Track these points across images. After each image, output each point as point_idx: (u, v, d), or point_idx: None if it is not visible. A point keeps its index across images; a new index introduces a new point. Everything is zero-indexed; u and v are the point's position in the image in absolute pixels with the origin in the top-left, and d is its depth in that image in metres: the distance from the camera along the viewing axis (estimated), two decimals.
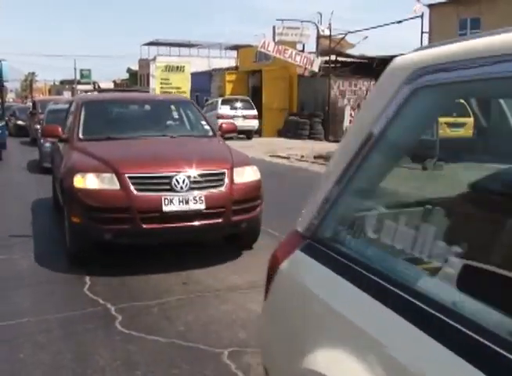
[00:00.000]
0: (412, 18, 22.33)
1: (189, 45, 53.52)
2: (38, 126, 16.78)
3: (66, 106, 17.91)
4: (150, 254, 6.67)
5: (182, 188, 5.88)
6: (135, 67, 57.37)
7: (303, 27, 28.20)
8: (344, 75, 27.80)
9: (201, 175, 6.06)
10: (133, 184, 5.83)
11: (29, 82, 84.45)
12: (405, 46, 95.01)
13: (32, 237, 7.57)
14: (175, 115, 8.63)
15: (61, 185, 6.69)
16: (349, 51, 29.63)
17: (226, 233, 6.65)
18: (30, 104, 31.70)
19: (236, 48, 47.80)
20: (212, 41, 53.46)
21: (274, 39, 27.68)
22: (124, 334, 4.48)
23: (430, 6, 22.02)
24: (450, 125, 16.97)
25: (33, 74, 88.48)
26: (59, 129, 7.70)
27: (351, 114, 17.62)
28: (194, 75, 42.34)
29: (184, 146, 7.17)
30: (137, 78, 55.70)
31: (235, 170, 6.31)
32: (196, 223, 5.96)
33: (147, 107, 8.67)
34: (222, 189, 6.12)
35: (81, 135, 7.22)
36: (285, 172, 15.26)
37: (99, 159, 6.28)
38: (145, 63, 51.87)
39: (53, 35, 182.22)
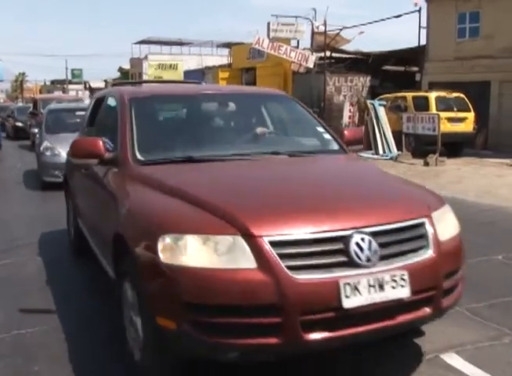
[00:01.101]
0: (411, 12, 22.22)
1: (181, 43, 53.16)
2: (36, 130, 14.14)
3: (70, 105, 16.59)
4: None
5: (368, 259, 3.09)
6: (127, 66, 56.96)
7: (297, 24, 28.03)
8: (339, 71, 27.64)
9: (392, 231, 3.28)
10: (282, 257, 2.97)
11: (19, 83, 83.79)
12: (403, 41, 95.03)
13: None
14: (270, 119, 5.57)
15: (126, 251, 3.46)
16: (345, 46, 29.48)
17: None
18: (28, 104, 29.18)
19: (227, 45, 47.54)
20: (203, 39, 53.21)
21: (268, 36, 27.48)
22: None
23: (428, 1, 21.87)
24: (450, 120, 16.84)
25: (23, 74, 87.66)
26: (101, 144, 4.44)
27: (350, 110, 17.44)
28: (186, 73, 42.07)
29: (326, 173, 4.37)
30: (129, 77, 55.26)
31: (434, 217, 3.54)
32: (395, 321, 3.21)
33: (232, 107, 5.36)
34: (428, 254, 3.35)
35: (139, 155, 4.24)
36: None
37: (200, 203, 3.34)
38: (136, 62, 51.50)
39: (43, 35, 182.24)
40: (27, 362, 3.99)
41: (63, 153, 10.13)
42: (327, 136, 5.08)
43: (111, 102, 5.36)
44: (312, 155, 4.75)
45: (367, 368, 3.89)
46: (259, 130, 5.12)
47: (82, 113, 12.33)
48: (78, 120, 11.83)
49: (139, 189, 3.81)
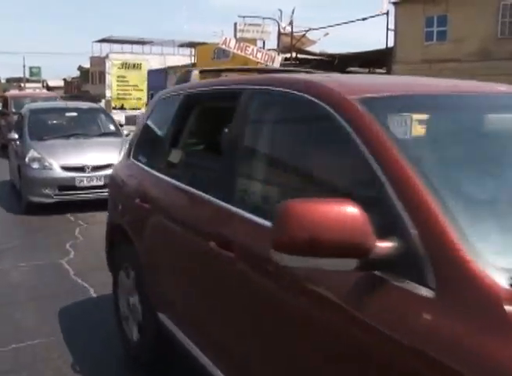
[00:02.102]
0: (377, 15, 22.38)
1: (142, 43, 52.52)
2: (15, 135, 10.49)
3: (57, 104, 13.62)
4: None
5: None
6: (87, 65, 55.94)
7: (264, 24, 27.94)
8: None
9: None
10: None
11: None
12: (369, 43, 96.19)
13: None
14: None
15: None
16: (310, 48, 29.56)
17: None
18: None
19: (189, 45, 47.23)
20: (165, 39, 52.64)
21: (235, 36, 27.32)
22: None
23: (395, 4, 22.07)
24: (422, 122, 16.98)
25: None
26: (368, 223, 1.72)
27: None
28: (149, 72, 41.53)
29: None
30: (89, 76, 54.33)
31: None
32: None
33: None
34: None
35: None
36: None
37: None
38: (97, 61, 50.60)
39: (1, 31, 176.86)
40: None
41: (54, 164, 9.02)
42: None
43: (300, 108, 2.52)
44: None
45: None
46: None
47: (73, 114, 10.93)
48: (68, 123, 10.87)
49: None
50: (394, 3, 22.10)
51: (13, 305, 5.06)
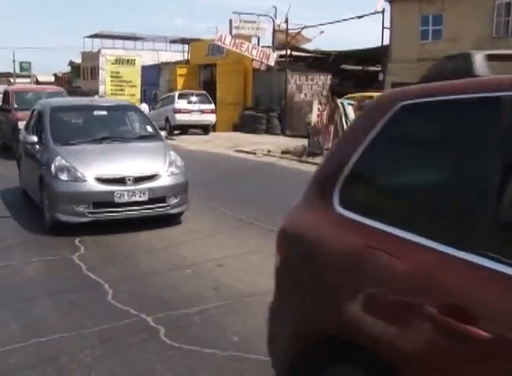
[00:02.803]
0: (372, 13, 22.47)
1: (134, 38, 52.30)
2: (33, 137, 8.50)
3: (82, 101, 11.82)
4: (166, 258, 6.33)
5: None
6: (77, 60, 55.62)
7: (259, 21, 27.94)
8: (300, 69, 27.75)
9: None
10: None
11: None
12: (366, 42, 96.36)
13: None
14: None
15: None
16: (306, 45, 29.64)
17: None
18: None
19: (182, 41, 47.09)
20: (157, 34, 52.49)
21: (230, 32, 27.30)
22: (176, 348, 4.14)
23: (391, 2, 22.18)
24: None
25: None
26: None
27: (318, 109, 17.48)
28: (143, 68, 41.36)
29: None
30: (80, 72, 54.05)
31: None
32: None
33: None
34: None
35: None
36: (260, 168, 14.97)
37: None
38: (89, 56, 50.34)
39: None
40: (60, 372, 3.80)
41: (88, 175, 7.33)
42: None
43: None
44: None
45: None
46: None
47: (102, 113, 9.08)
48: (98, 124, 8.97)
49: None
50: (389, 1, 22.22)
51: (30, 301, 5.11)
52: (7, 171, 11.98)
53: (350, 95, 19.03)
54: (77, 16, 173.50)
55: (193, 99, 26.00)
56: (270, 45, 29.09)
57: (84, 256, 6.40)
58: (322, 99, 19.09)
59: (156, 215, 7.63)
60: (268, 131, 26.53)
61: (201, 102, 26.01)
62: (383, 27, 22.60)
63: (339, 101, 17.07)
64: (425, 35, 21.18)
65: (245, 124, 27.27)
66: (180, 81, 35.01)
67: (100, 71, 39.31)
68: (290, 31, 27.53)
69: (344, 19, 24.86)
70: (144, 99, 33.95)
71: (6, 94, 17.79)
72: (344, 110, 16.97)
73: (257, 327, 4.51)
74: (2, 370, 3.82)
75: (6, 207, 9.05)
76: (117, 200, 7.30)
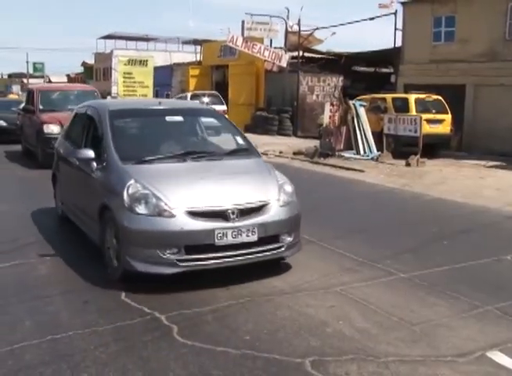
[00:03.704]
0: (384, 15, 22.44)
1: (147, 39, 52.53)
2: (89, 152, 6.39)
3: (141, 102, 10.30)
4: None
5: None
6: (90, 61, 55.92)
7: (271, 23, 27.97)
8: (312, 71, 27.75)
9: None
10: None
11: None
12: (378, 43, 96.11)
13: None
14: None
15: None
16: (317, 47, 29.63)
17: None
18: (10, 97, 19.92)
19: (194, 42, 47.22)
20: (170, 36, 52.66)
21: (243, 34, 27.36)
22: (189, 346, 4.18)
23: (403, 4, 22.11)
24: (429, 122, 17.09)
25: None
26: None
27: (330, 110, 17.48)
28: (155, 69, 41.57)
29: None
30: (92, 72, 54.32)
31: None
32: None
33: None
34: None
35: None
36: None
37: None
38: (102, 57, 50.61)
39: (3, 27, 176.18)
40: (74, 369, 3.85)
41: (179, 208, 5.30)
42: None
43: None
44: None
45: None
46: None
47: (177, 119, 6.96)
48: (174, 133, 6.83)
49: None
50: (402, 3, 22.14)
51: (45, 298, 5.17)
52: (33, 183, 11.67)
53: (362, 97, 19.01)
54: (90, 18, 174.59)
55: (205, 99, 26.09)
56: (282, 46, 29.13)
57: (98, 254, 6.44)
58: (334, 100, 19.05)
59: (265, 261, 5.72)
60: (280, 132, 26.59)
61: (213, 103, 26.07)
62: (395, 29, 22.55)
63: (351, 102, 17.08)
64: (437, 37, 21.06)
65: (257, 125, 27.33)
66: (192, 82, 35.19)
67: (113, 72, 39.57)
68: (302, 33, 27.54)
69: (356, 21, 24.78)
70: None
71: (30, 93, 16.00)
72: (356, 111, 16.99)
73: (269, 326, 4.57)
74: (18, 366, 3.88)
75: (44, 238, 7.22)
76: (217, 241, 5.31)
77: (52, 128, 13.48)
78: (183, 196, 5.43)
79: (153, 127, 6.86)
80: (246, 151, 6.74)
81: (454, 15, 20.37)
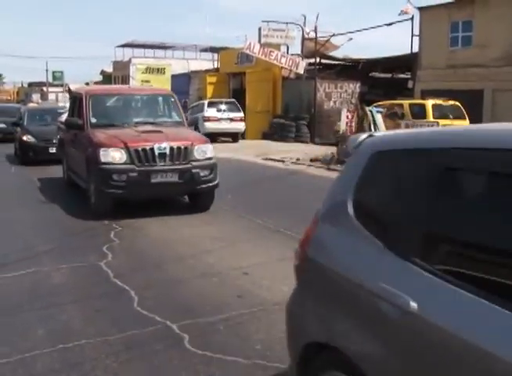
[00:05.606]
0: (402, 21, 22.34)
1: (164, 47, 52.89)
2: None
3: None
4: (193, 265, 6.36)
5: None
6: (109, 69, 56.41)
7: (288, 29, 27.98)
8: (329, 77, 27.69)
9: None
10: None
11: None
12: (395, 48, 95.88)
13: None
14: None
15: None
16: (334, 52, 29.57)
17: None
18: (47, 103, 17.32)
19: (211, 50, 47.41)
20: (187, 43, 52.96)
21: (259, 41, 27.40)
22: (200, 356, 4.16)
23: (420, 9, 22.00)
24: None
25: (0, 75, 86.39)
26: None
27: (347, 117, 17.44)
28: (173, 77, 41.82)
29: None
30: (111, 80, 54.76)
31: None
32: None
33: None
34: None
35: None
36: (288, 176, 14.95)
37: None
38: (120, 65, 51.01)
39: (23, 36, 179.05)
40: None
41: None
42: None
43: None
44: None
45: None
46: None
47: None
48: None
49: None
50: (419, 8, 22.04)
51: (58, 307, 5.18)
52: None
53: (379, 103, 18.94)
54: (108, 26, 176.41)
55: (222, 107, 26.14)
56: (299, 53, 29.11)
57: (112, 263, 6.47)
58: (351, 107, 18.99)
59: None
60: (297, 139, 26.51)
61: (230, 110, 26.14)
62: (412, 34, 22.45)
63: (367, 109, 17.01)
64: (455, 42, 20.92)
65: (274, 132, 27.31)
66: (210, 90, 35.25)
67: (131, 80, 39.88)
68: (318, 39, 27.51)
69: (372, 27, 24.70)
70: None
71: (77, 100, 11.04)
72: (373, 117, 16.92)
73: (281, 335, 4.53)
74: (29, 374, 3.89)
75: None
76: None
77: (114, 155, 8.85)
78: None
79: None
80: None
81: (471, 19, 20.24)
